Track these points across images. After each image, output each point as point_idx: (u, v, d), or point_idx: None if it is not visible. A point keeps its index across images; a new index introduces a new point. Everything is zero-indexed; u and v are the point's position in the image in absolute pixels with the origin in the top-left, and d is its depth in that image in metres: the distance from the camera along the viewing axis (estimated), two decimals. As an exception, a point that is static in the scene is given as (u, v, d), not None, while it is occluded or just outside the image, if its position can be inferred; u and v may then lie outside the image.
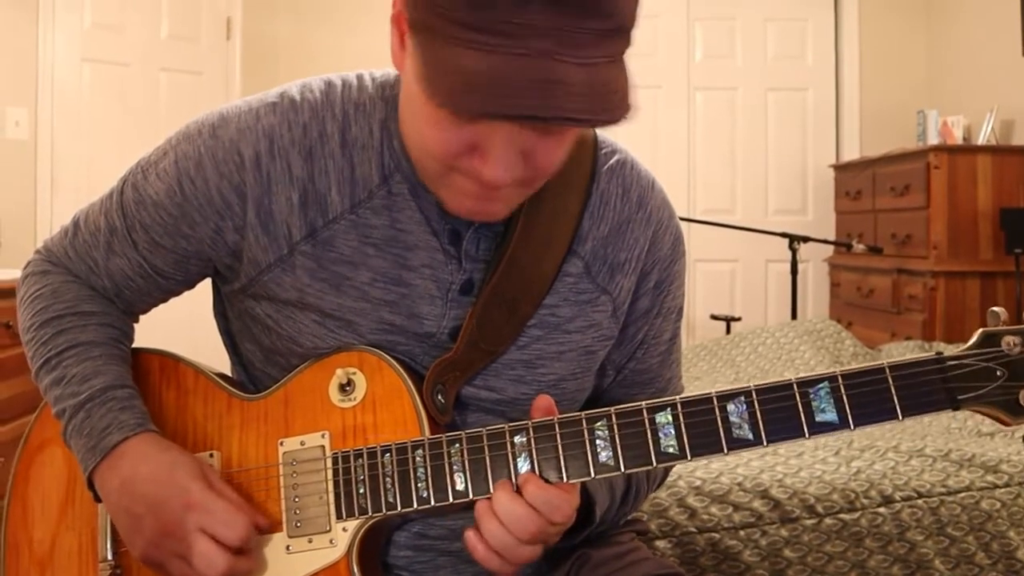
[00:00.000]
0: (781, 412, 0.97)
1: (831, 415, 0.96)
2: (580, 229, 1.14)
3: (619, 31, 0.89)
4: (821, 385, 0.97)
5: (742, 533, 1.92)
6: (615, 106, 0.88)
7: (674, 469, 1.97)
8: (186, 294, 1.24)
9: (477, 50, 0.85)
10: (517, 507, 0.99)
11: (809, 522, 1.94)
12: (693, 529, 1.91)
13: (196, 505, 1.03)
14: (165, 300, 1.22)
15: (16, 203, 4.17)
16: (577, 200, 1.14)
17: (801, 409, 0.97)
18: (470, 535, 1.01)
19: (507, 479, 1.01)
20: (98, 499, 1.10)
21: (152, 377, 1.20)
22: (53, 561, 1.18)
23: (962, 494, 2.01)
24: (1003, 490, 2.02)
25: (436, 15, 0.86)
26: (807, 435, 0.97)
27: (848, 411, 0.96)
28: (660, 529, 1.90)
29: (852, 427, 0.96)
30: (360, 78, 1.13)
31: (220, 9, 4.98)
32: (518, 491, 1.00)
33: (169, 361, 1.21)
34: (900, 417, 0.95)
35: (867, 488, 1.99)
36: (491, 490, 1.02)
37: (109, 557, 1.14)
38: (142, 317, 1.26)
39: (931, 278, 4.22)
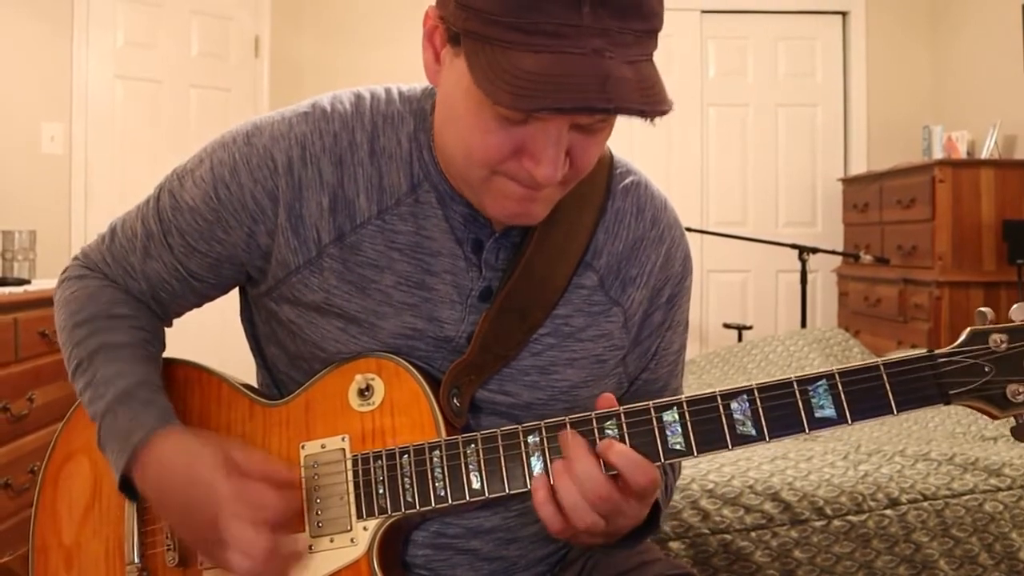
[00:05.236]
0: (782, 409, 1.00)
1: (829, 410, 0.99)
2: (594, 243, 1.17)
3: (653, 32, 0.93)
4: (820, 382, 1.00)
5: (753, 534, 1.94)
6: (662, 99, 0.92)
7: (687, 473, 2.01)
8: (216, 303, 1.26)
9: (536, 52, 0.88)
10: (593, 468, 1.00)
11: (818, 524, 1.96)
12: (706, 531, 1.94)
13: (224, 498, 1.03)
14: (199, 304, 1.25)
15: (52, 216, 4.22)
16: (592, 216, 1.17)
17: (801, 406, 0.99)
18: (541, 491, 1.01)
19: (585, 439, 1.02)
20: (132, 499, 1.13)
21: (179, 386, 1.22)
22: (81, 565, 1.21)
23: (966, 497, 2.03)
24: (1006, 493, 2.04)
25: (489, 23, 0.90)
26: (807, 430, 1.00)
27: (845, 406, 0.99)
28: (674, 531, 1.92)
29: (850, 421, 0.99)
30: (388, 91, 1.16)
31: (248, 28, 5.02)
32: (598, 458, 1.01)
33: (195, 371, 1.23)
34: (895, 411, 0.98)
35: (874, 491, 2.01)
36: (506, 489, 1.04)
37: (136, 560, 1.16)
38: (174, 324, 1.28)
39: (936, 288, 4.23)
